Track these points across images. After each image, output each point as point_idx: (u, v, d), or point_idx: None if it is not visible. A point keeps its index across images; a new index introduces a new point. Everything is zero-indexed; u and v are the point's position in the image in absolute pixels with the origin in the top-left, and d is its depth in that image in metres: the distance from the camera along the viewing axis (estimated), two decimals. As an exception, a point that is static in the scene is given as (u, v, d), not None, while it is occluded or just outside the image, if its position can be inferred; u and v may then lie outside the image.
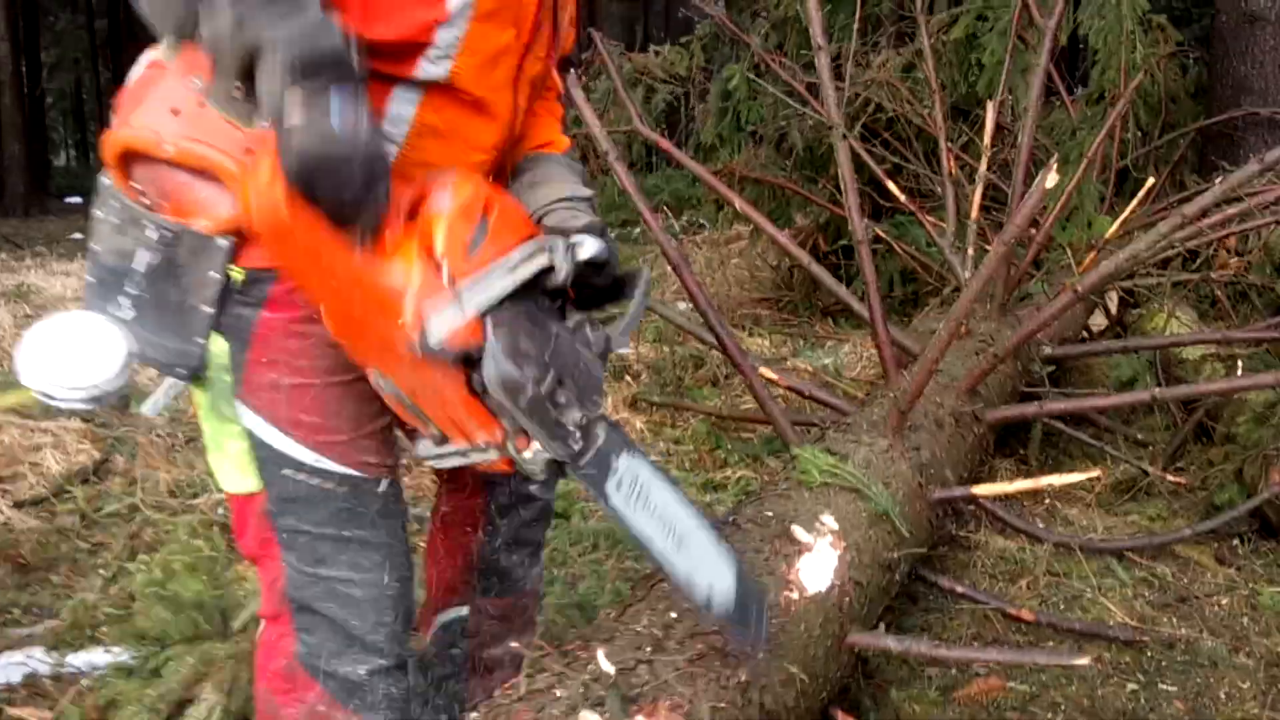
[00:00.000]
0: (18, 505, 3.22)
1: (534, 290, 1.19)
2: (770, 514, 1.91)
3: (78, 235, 12.10)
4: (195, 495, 3.35)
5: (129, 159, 1.20)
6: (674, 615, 1.52)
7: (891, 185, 4.21)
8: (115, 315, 1.24)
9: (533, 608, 1.81)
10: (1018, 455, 3.81)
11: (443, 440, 1.23)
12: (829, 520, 1.97)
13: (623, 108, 4.07)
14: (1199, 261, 5.04)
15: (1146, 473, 3.39)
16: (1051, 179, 2.21)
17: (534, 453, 1.21)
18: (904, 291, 5.87)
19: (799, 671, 1.64)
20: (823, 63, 2.95)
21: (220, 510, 3.19)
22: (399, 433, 1.40)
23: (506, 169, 1.48)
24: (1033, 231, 4.18)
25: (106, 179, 1.23)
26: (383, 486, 1.36)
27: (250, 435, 1.30)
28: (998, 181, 5.48)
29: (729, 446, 4.08)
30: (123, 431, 4.00)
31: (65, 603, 2.58)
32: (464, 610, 1.71)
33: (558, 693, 1.29)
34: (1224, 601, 2.77)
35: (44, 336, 1.20)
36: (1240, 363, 3.77)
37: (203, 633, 2.31)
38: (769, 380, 2.95)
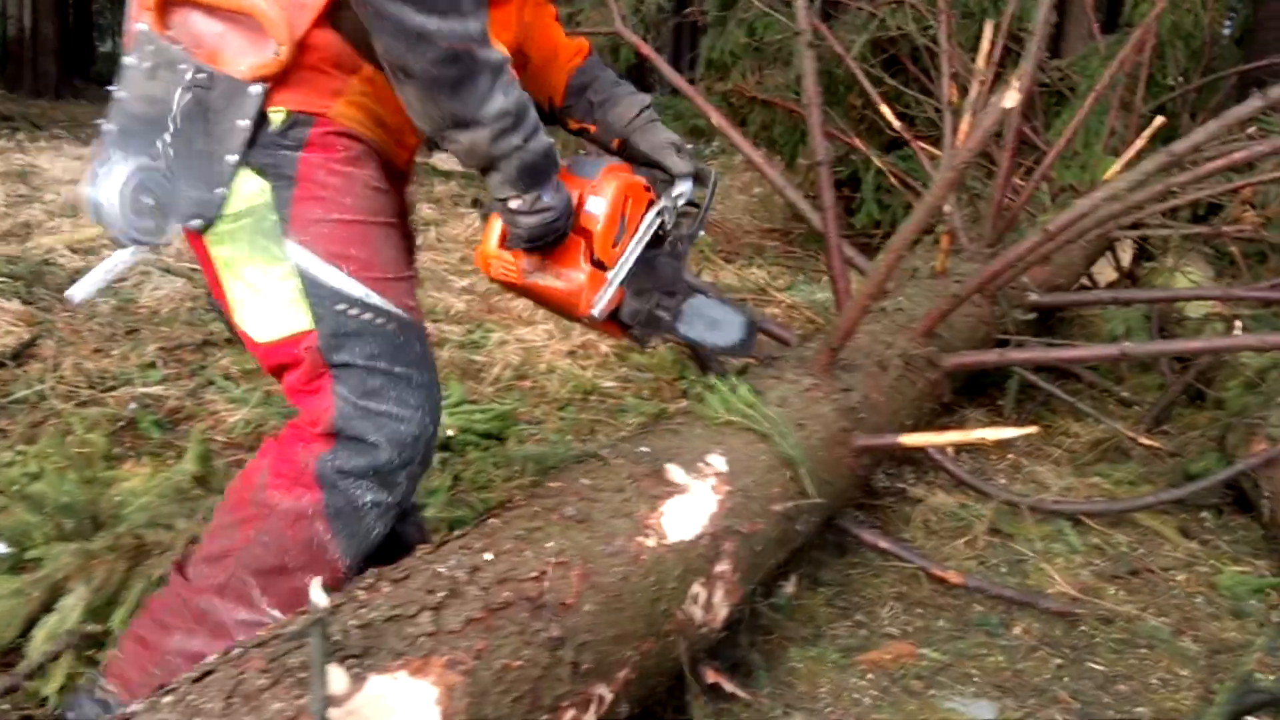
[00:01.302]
0: (-75, 385, 3.08)
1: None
2: (646, 449, 1.71)
3: (101, 121, 11.93)
4: (113, 388, 3.20)
5: (166, 6, 1.27)
6: (488, 557, 1.33)
7: (886, 110, 3.92)
8: (166, 166, 1.30)
9: None
10: (994, 406, 3.59)
11: None
12: (716, 461, 1.77)
13: (608, 6, 3.78)
14: (1222, 216, 4.73)
15: (1120, 433, 3.16)
16: (1010, 99, 1.95)
17: (641, 336, 1.78)
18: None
19: (642, 628, 1.45)
20: (795, -38, 2.68)
21: (132, 405, 3.05)
22: None
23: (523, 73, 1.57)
24: (1032, 169, 3.92)
25: (143, 24, 1.29)
26: (421, 331, 1.46)
27: (302, 273, 1.35)
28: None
29: (692, 377, 3.87)
30: (65, 317, 3.86)
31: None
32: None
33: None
34: (1180, 578, 2.55)
35: (124, 183, 1.28)
36: (1239, 323, 3.50)
37: (67, 536, 2.16)
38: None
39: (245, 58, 1.27)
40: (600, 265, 1.59)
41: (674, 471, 1.67)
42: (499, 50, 1.29)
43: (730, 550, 1.68)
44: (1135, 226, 4.40)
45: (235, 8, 1.25)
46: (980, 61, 3.16)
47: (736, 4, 5.32)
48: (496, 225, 1.54)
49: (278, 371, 1.44)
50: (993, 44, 3.17)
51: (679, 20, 6.73)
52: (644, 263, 1.67)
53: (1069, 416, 3.50)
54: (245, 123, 1.29)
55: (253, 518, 1.41)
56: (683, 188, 1.74)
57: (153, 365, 3.50)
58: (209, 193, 1.31)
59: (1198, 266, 4.81)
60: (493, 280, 1.60)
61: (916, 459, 2.99)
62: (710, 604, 1.62)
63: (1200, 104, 6.42)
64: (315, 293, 1.35)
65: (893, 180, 4.72)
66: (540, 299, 1.63)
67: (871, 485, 2.80)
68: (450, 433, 3.00)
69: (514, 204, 1.41)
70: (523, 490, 1.60)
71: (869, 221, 5.62)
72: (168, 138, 1.30)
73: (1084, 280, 4.90)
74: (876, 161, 4.57)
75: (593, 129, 1.81)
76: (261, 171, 1.32)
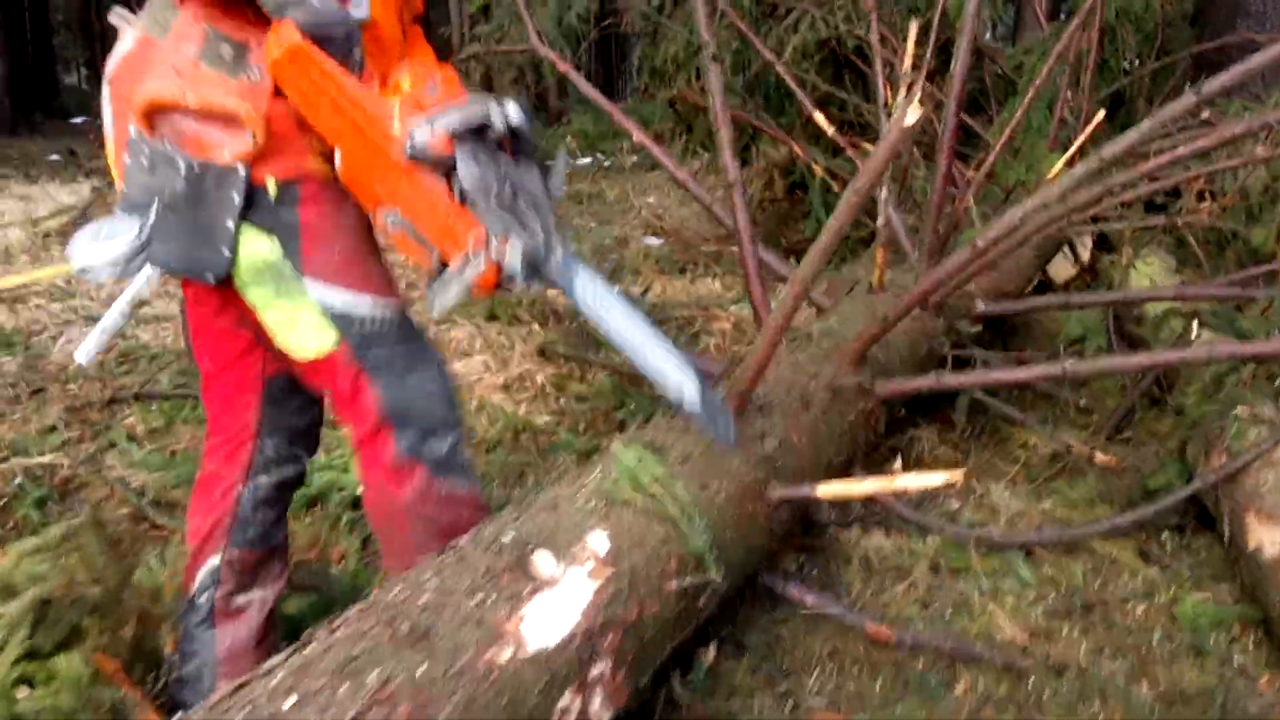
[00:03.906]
0: None
1: (482, 137, 1.54)
2: (511, 537, 1.52)
3: (55, 156, 11.65)
4: (4, 459, 2.99)
5: (153, 113, 1.49)
6: (290, 703, 1.13)
7: (819, 116, 3.73)
8: (136, 236, 1.51)
9: (281, 562, 1.93)
10: (947, 420, 3.41)
11: (442, 268, 1.57)
12: (597, 541, 1.58)
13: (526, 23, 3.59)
14: (1178, 206, 4.58)
15: (1076, 450, 2.98)
16: (912, 114, 1.77)
17: (511, 248, 1.54)
18: (856, 235, 5.41)
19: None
20: (694, -30, 2.49)
21: (17, 480, 2.84)
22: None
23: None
24: (971, 173, 3.74)
25: (133, 131, 1.50)
26: (410, 314, 1.72)
27: (320, 302, 1.60)
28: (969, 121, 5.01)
29: (633, 407, 3.68)
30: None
31: None
32: (217, 560, 1.83)
33: None
34: (1139, 610, 2.37)
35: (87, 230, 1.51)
36: (1196, 322, 3.34)
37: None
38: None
39: (227, 147, 1.49)
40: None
41: (542, 561, 1.48)
42: None
43: (610, 646, 1.49)
44: (1093, 220, 4.24)
45: (216, 111, 1.48)
46: (905, 63, 2.98)
47: (663, 12, 5.09)
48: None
49: (321, 391, 1.76)
50: (919, 44, 2.99)
51: (603, 31, 6.52)
52: (481, 143, 1.53)
53: (1026, 427, 3.33)
54: (237, 195, 1.51)
55: (400, 524, 1.72)
56: (512, 104, 1.59)
57: (54, 429, 3.30)
58: (216, 253, 1.53)
59: (1158, 257, 4.63)
60: (272, 66, 1.46)
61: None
62: (586, 714, 1.43)
63: (1156, 88, 6.28)
64: (337, 314, 1.61)
65: (837, 187, 4.54)
66: (334, 106, 1.47)
67: (811, 520, 2.62)
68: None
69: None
70: (366, 597, 1.40)
71: (818, 227, 5.43)
72: (155, 210, 1.51)
73: (1046, 272, 4.75)
74: (817, 169, 4.38)
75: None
76: (268, 231, 1.55)
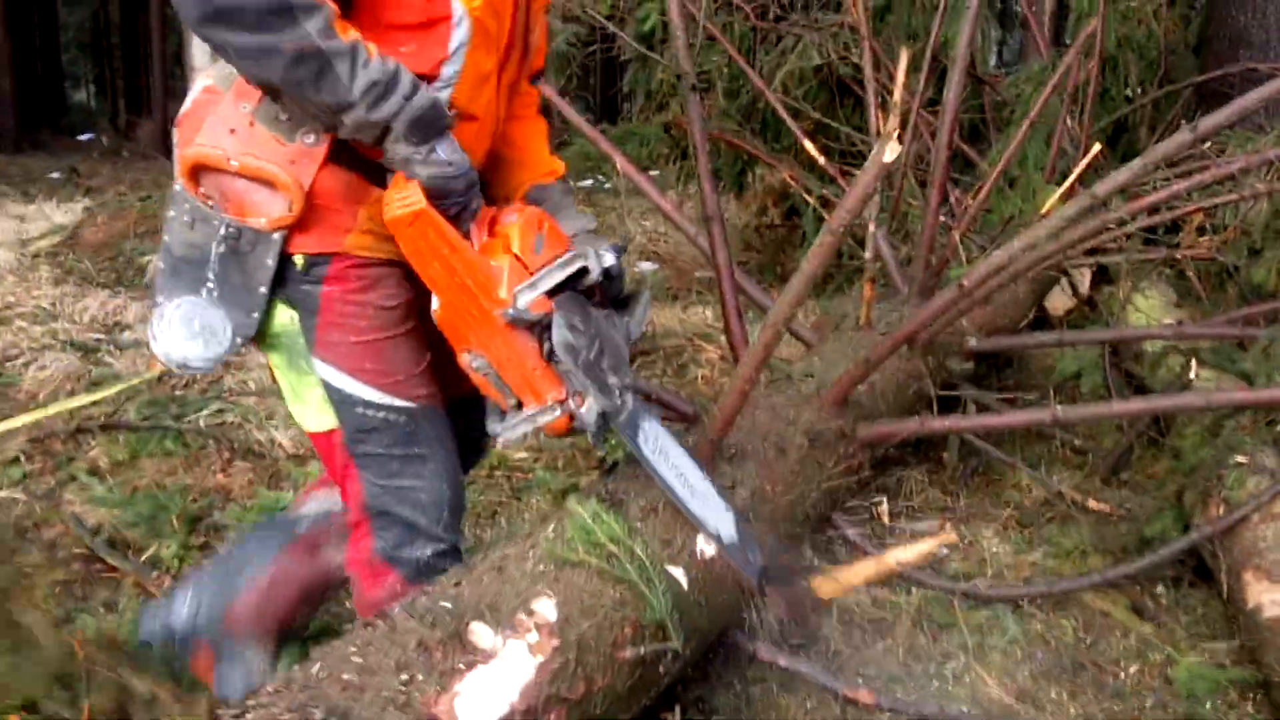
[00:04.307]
0: None
1: (577, 284, 1.59)
2: (448, 604, 1.41)
3: (56, 175, 11.60)
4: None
5: (198, 170, 1.49)
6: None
7: (809, 144, 3.64)
8: (207, 298, 1.53)
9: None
10: (937, 460, 3.30)
11: (517, 408, 1.59)
12: (544, 608, 1.48)
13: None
14: (1180, 237, 4.47)
15: (1068, 498, 2.87)
16: (890, 152, 1.67)
17: (588, 408, 1.56)
18: (852, 265, 5.30)
19: None
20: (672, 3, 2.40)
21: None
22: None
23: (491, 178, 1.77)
24: (969, 202, 3.65)
25: (178, 185, 1.51)
26: (432, 413, 1.68)
27: (326, 384, 1.61)
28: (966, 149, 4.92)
29: (614, 442, 3.57)
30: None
31: None
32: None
33: None
34: (1131, 671, 2.26)
35: (171, 317, 1.52)
36: (1195, 362, 3.23)
37: None
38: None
39: (265, 212, 1.49)
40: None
41: (479, 633, 1.38)
42: (348, 35, 1.37)
43: (552, 725, 1.38)
44: (1091, 252, 4.13)
45: (256, 176, 1.47)
46: (896, 93, 2.88)
47: (654, 36, 5.02)
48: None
49: (325, 460, 1.74)
50: (908, 73, 2.89)
51: (590, 56, 6.46)
52: (577, 301, 1.58)
53: (1018, 469, 3.21)
54: (271, 262, 1.51)
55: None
56: (611, 257, 1.67)
57: (16, 460, 3.20)
58: (247, 317, 1.54)
59: (1158, 289, 4.52)
60: (391, 221, 1.46)
61: (835, 539, 2.69)
62: (524, 801, 1.32)
63: (1160, 116, 6.18)
64: (338, 398, 1.61)
65: (830, 216, 4.44)
66: (445, 265, 1.48)
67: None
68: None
69: (407, 151, 1.45)
70: (282, 678, 1.29)
71: (813, 255, 5.33)
72: (210, 277, 1.52)
73: (1045, 304, 4.64)
74: (809, 199, 4.28)
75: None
76: (290, 304, 1.56)
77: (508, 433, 1.61)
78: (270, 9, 1.31)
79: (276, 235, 1.50)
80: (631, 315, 1.71)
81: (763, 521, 2.02)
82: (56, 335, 4.66)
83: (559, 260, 1.57)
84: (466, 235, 1.53)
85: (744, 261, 6.66)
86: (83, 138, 17.38)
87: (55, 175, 11.61)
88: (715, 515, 1.79)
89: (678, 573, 1.73)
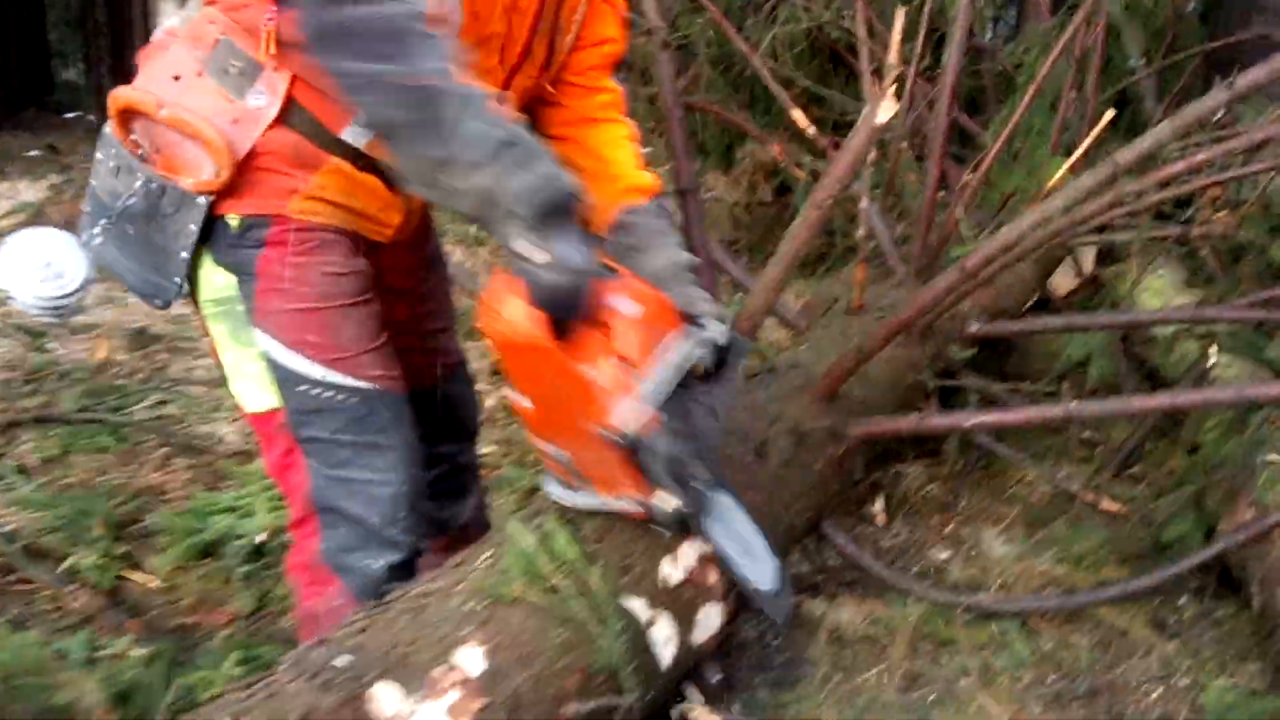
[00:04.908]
0: None
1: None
2: (344, 663, 1.16)
3: (35, 152, 11.31)
4: None
5: (129, 115, 1.39)
6: None
7: (798, 114, 3.38)
8: (87, 241, 1.46)
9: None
10: (938, 454, 3.05)
11: (584, 482, 1.44)
12: (469, 658, 1.23)
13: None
14: (1193, 211, 4.21)
15: (1077, 495, 2.63)
16: (884, 112, 1.42)
17: (668, 506, 1.39)
18: (846, 243, 5.05)
19: None
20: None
21: None
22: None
23: None
24: (969, 176, 3.39)
25: (107, 128, 1.41)
26: (388, 397, 1.50)
27: (266, 357, 1.45)
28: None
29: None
30: None
31: None
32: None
33: None
34: (1153, 696, 2.03)
35: (20, 247, 1.53)
36: (1215, 348, 2.98)
37: None
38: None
39: (192, 173, 1.36)
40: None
41: (384, 696, 1.13)
42: (474, 83, 1.19)
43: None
44: (1099, 230, 3.88)
45: (181, 127, 1.34)
46: (892, 56, 2.62)
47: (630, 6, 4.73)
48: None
49: (263, 445, 1.55)
50: (903, 35, 2.63)
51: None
52: (681, 405, 1.34)
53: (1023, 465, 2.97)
54: (195, 227, 1.38)
55: (303, 635, 1.53)
56: (717, 329, 1.40)
57: (-57, 457, 2.96)
58: (167, 281, 1.42)
59: (1167, 269, 4.27)
60: (491, 334, 1.27)
61: (822, 548, 2.44)
62: None
63: (1167, 87, 5.93)
64: (280, 375, 1.45)
65: (820, 190, 4.18)
66: (545, 380, 1.31)
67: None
68: (262, 537, 2.46)
69: (524, 245, 1.18)
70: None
71: (805, 234, 5.08)
72: (107, 223, 1.42)
73: (1051, 284, 4.39)
74: (796, 173, 4.02)
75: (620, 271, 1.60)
76: (227, 267, 1.42)
77: (568, 500, 1.48)
78: (388, 34, 1.15)
79: (201, 199, 1.36)
80: (726, 381, 1.45)
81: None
82: (9, 318, 4.41)
83: (670, 360, 1.33)
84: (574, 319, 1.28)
85: (734, 241, 6.39)
86: (69, 116, 17.05)
87: (34, 153, 11.30)
88: (762, 573, 1.58)
89: (637, 606, 1.48)
